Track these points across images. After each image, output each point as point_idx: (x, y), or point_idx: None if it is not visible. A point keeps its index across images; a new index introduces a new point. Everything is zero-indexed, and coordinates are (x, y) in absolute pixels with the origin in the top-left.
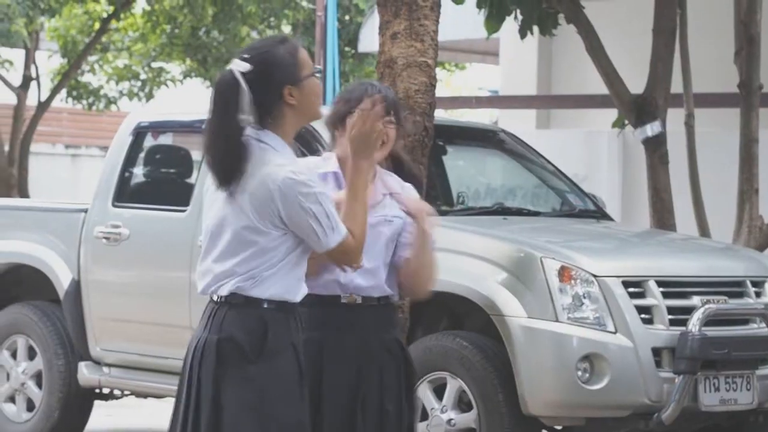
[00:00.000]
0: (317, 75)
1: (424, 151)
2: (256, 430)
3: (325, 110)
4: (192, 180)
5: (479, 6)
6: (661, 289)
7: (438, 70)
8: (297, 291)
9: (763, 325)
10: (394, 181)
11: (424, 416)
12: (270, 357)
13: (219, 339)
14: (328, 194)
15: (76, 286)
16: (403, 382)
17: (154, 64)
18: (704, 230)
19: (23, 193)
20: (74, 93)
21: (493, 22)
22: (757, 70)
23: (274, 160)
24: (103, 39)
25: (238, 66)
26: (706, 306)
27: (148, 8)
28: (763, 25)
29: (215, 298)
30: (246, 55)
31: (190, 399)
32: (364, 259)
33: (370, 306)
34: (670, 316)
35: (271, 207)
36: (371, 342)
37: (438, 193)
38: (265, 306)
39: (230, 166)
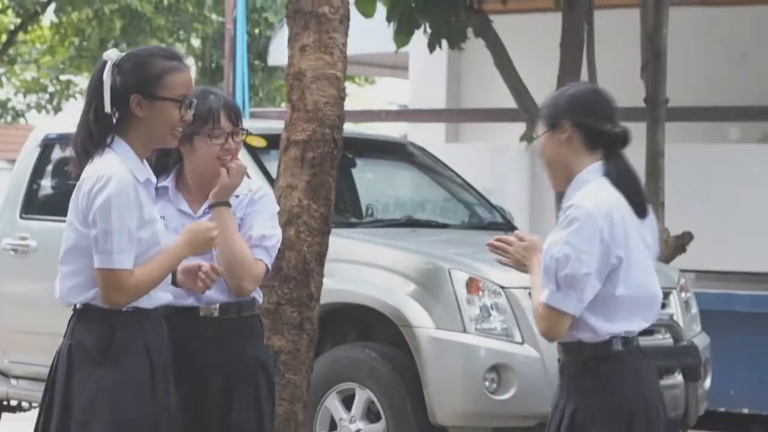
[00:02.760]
0: (182, 108)
1: (333, 164)
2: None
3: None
4: None
5: (389, 19)
6: None
7: (348, 84)
8: (150, 300)
9: (668, 335)
10: (241, 183)
11: (333, 427)
12: (117, 358)
13: (70, 344)
14: (129, 215)
15: None
16: (261, 398)
17: (63, 77)
18: None
19: None
20: None
21: (402, 36)
22: (663, 85)
23: (105, 160)
24: (11, 51)
25: (110, 56)
26: None
27: (56, 20)
28: (669, 39)
29: (69, 305)
30: (127, 52)
31: (44, 404)
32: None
33: (228, 319)
34: None
35: (80, 203)
36: (224, 356)
37: (347, 206)
38: (116, 310)
39: (79, 151)
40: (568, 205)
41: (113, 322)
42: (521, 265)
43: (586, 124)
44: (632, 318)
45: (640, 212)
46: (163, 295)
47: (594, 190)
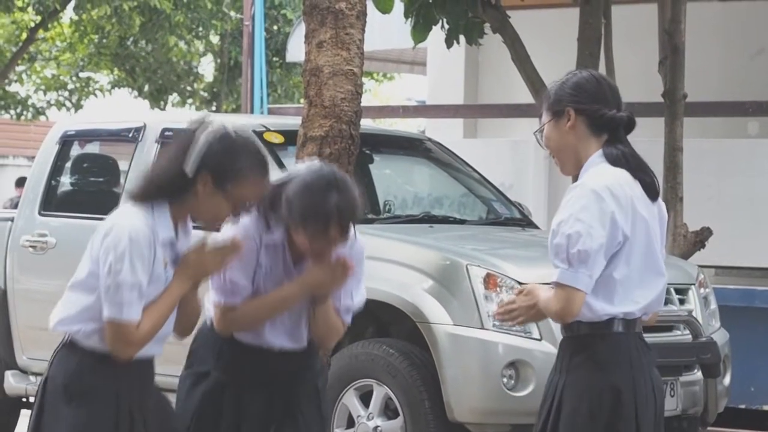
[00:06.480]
0: (237, 210)
1: (350, 159)
2: None
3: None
4: (119, 189)
5: (406, 15)
6: None
7: (367, 80)
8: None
9: (687, 332)
10: None
11: (350, 424)
12: (82, 400)
13: (46, 377)
14: (142, 270)
15: (2, 295)
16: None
17: (82, 74)
18: None
19: None
20: (2, 103)
21: (420, 32)
22: (681, 79)
23: (131, 212)
24: (31, 49)
25: (210, 124)
26: None
27: (75, 18)
28: (687, 34)
29: (55, 332)
30: (227, 129)
31: None
32: (287, 317)
33: (289, 355)
34: None
35: (96, 244)
36: (286, 391)
37: (365, 202)
38: (90, 352)
39: (149, 192)
40: (574, 185)
41: (85, 362)
42: (531, 310)
43: (589, 110)
44: (631, 300)
45: (651, 193)
46: (154, 349)
47: (600, 171)
